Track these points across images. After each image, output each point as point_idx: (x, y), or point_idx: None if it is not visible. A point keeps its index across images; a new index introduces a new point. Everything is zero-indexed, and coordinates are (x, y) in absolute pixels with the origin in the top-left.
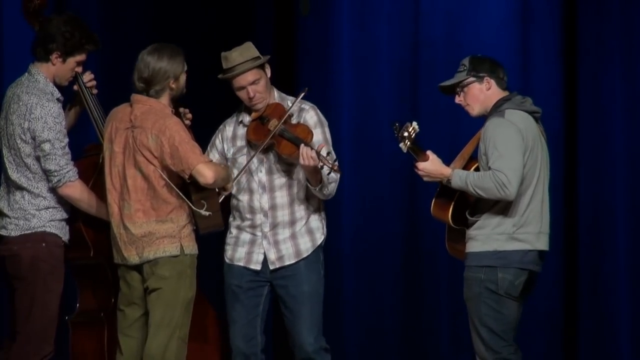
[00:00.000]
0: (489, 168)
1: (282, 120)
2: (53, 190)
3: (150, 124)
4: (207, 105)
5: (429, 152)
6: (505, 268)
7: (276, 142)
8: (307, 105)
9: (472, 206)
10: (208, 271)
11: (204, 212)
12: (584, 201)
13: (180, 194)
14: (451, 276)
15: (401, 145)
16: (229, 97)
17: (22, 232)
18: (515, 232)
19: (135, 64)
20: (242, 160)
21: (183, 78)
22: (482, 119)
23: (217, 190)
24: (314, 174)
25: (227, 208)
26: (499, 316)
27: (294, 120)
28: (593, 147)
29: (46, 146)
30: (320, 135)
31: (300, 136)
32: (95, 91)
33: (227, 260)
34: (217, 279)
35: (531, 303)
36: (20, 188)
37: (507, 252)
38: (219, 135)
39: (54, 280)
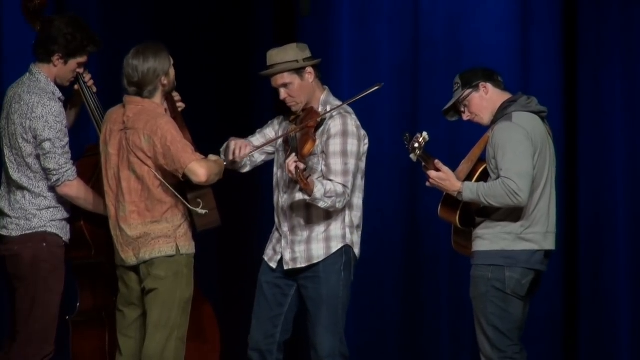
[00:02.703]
0: (498, 174)
1: (298, 128)
2: (54, 189)
3: (142, 125)
4: (205, 103)
5: (439, 164)
6: (512, 267)
7: (285, 148)
8: (337, 113)
9: (479, 207)
10: (208, 270)
11: (200, 211)
12: (584, 201)
13: (176, 193)
14: (451, 278)
15: (411, 155)
16: (227, 96)
17: (23, 232)
18: (523, 233)
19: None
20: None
21: (172, 72)
22: None
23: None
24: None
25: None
26: (505, 315)
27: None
28: (593, 147)
29: (46, 145)
30: (338, 146)
31: (298, 146)
32: (94, 89)
33: (263, 256)
34: (219, 278)
35: (531, 303)
36: (21, 188)
37: (515, 252)
38: (275, 120)
39: (55, 280)
